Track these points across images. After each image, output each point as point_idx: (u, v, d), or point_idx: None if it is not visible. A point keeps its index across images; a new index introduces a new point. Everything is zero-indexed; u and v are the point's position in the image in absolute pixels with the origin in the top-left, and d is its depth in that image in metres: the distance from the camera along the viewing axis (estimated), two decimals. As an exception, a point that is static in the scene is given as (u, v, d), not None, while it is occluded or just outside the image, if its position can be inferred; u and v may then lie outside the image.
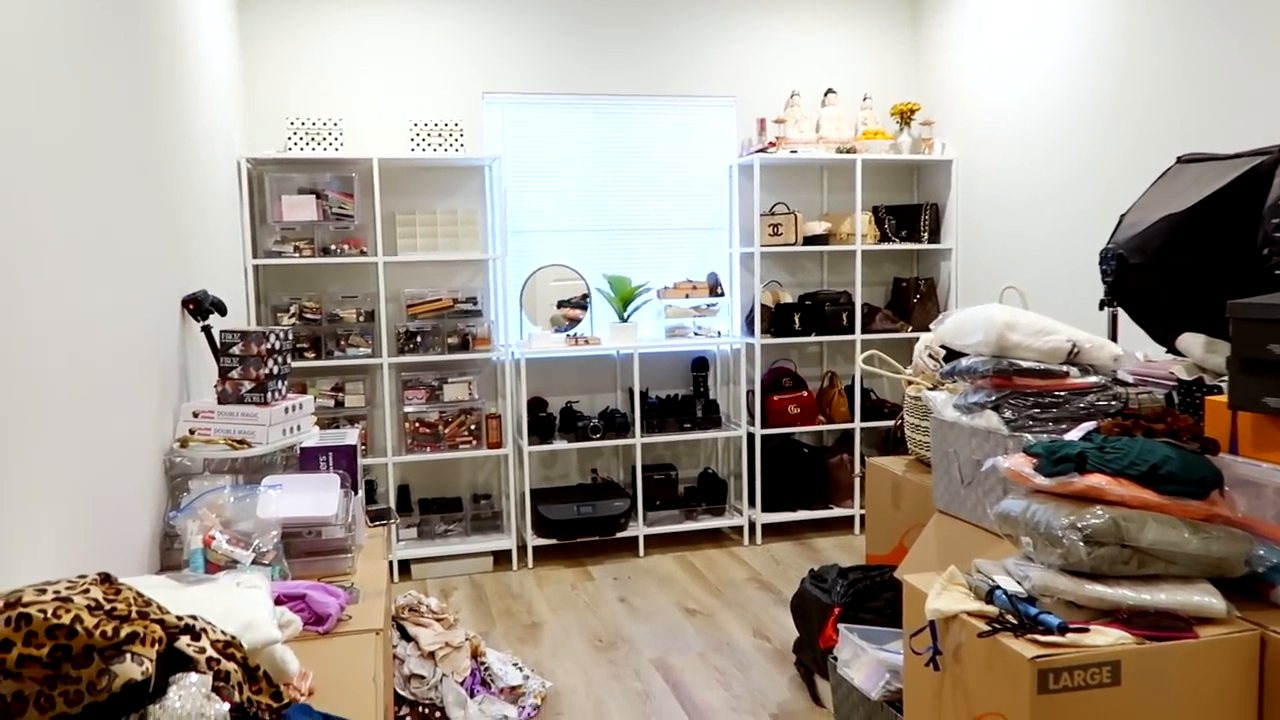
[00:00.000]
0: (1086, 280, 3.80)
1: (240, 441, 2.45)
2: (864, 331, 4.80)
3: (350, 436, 2.62)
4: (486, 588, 4.17)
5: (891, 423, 4.87)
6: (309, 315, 4.15)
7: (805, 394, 4.79)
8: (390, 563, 4.26)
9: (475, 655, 3.01)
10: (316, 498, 2.38)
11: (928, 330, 4.87)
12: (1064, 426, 2.47)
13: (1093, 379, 2.48)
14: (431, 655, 2.83)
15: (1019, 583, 1.97)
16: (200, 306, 2.73)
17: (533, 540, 4.45)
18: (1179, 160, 3.06)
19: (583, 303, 4.69)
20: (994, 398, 2.50)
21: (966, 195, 4.74)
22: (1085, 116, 3.82)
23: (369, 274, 4.44)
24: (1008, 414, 2.47)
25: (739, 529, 4.75)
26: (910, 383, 3.29)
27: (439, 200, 4.55)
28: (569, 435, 4.57)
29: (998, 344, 2.50)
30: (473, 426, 4.36)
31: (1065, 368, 2.48)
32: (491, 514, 4.59)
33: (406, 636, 2.89)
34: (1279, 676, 1.78)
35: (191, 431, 2.49)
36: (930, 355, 3.31)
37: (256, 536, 2.25)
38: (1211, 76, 3.22)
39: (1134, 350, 2.93)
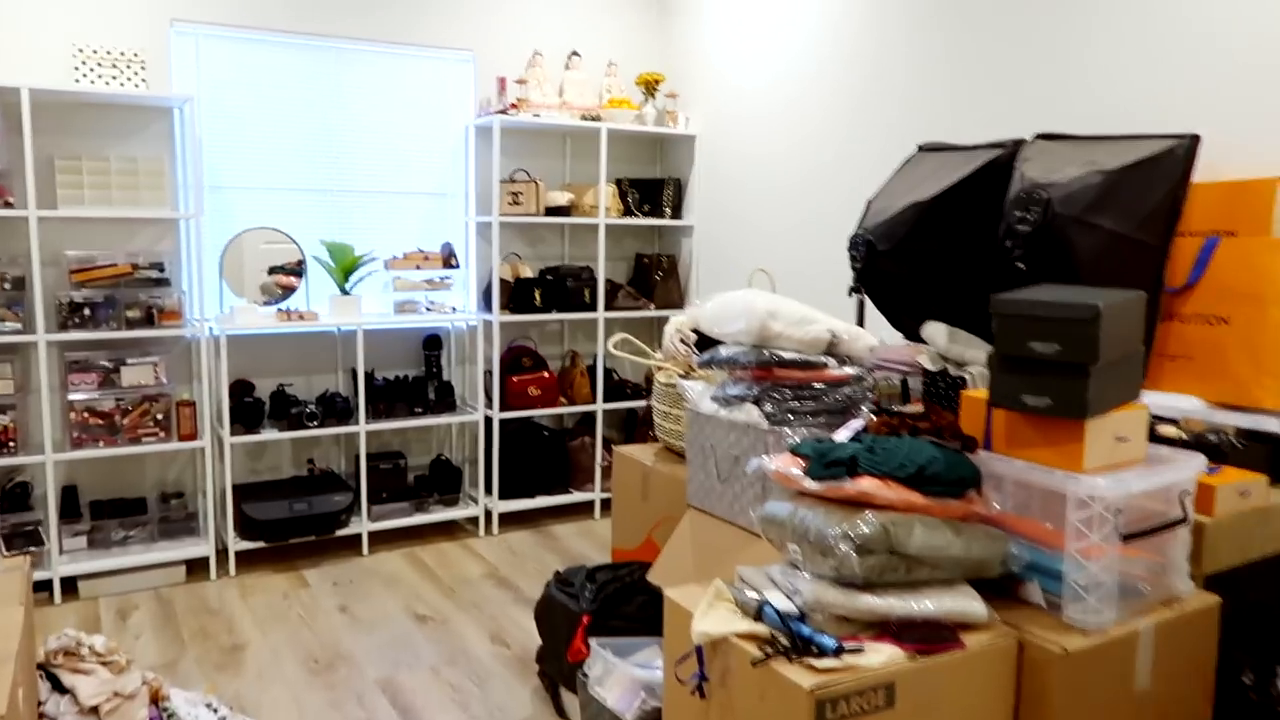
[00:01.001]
0: (826, 265, 3.82)
1: None
2: (607, 309, 4.61)
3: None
4: (177, 604, 3.56)
5: (636, 404, 4.74)
6: (-69, 280, 3.30)
7: (546, 374, 4.54)
8: (51, 582, 3.54)
9: (156, 700, 2.48)
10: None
11: (671, 310, 4.81)
12: (822, 420, 2.38)
13: (850, 370, 2.40)
14: (95, 710, 2.28)
15: (789, 597, 1.82)
16: None
17: (236, 544, 3.87)
18: (920, 149, 3.08)
19: (298, 269, 4.13)
20: (755, 391, 2.35)
21: (709, 172, 4.66)
22: (831, 104, 3.82)
23: (18, 231, 3.62)
24: (768, 408, 2.33)
25: (474, 519, 4.43)
26: (660, 368, 3.12)
27: (113, 144, 3.79)
28: (281, 423, 4.02)
29: (760, 333, 2.36)
30: (160, 416, 3.69)
31: (824, 359, 2.38)
32: (185, 515, 3.95)
33: (61, 689, 2.31)
34: (1035, 679, 1.75)
35: None
36: (682, 340, 3.14)
37: None
38: (952, 71, 3.28)
39: (880, 339, 2.90)
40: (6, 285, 3.40)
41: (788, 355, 2.35)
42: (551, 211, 4.47)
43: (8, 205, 3.39)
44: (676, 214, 4.86)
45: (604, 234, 4.54)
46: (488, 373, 4.44)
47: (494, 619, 3.42)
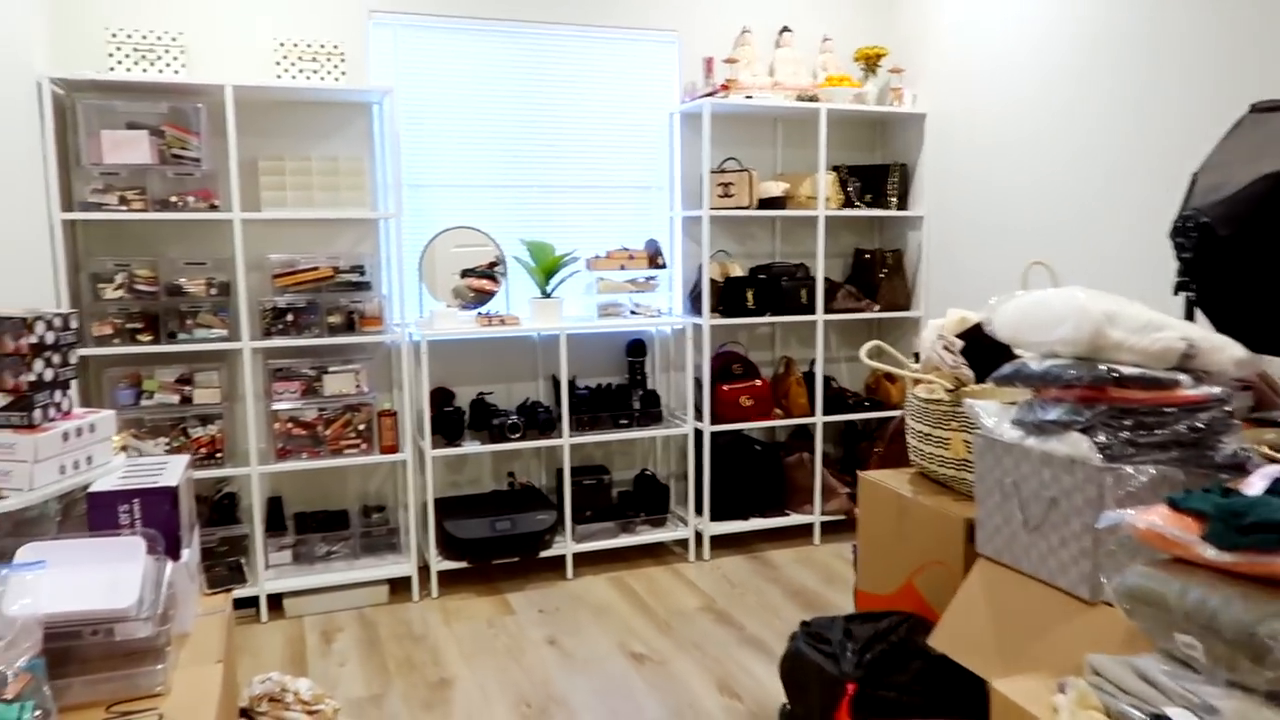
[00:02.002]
0: (1119, 258, 3.19)
1: (-17, 490, 1.59)
2: (826, 311, 4.13)
3: (170, 471, 1.78)
4: (381, 627, 3.36)
5: (858, 416, 4.24)
6: (142, 287, 3.21)
7: (758, 383, 4.11)
8: (257, 599, 3.41)
9: (363, 753, 2.22)
10: (107, 578, 1.55)
11: (897, 311, 4.26)
12: (1174, 455, 1.83)
13: (1209, 390, 1.84)
14: (300, 768, 2.04)
15: (1199, 716, 1.31)
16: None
17: (438, 563, 3.64)
18: (1254, 109, 2.45)
19: (492, 272, 3.88)
20: (1082, 416, 1.83)
21: (941, 155, 4.10)
22: (1114, 63, 3.20)
23: (222, 235, 3.52)
24: (1101, 438, 1.80)
25: (683, 542, 4.05)
26: (919, 380, 2.62)
27: (314, 144, 3.65)
28: (482, 435, 3.77)
29: (1092, 342, 1.84)
30: (361, 426, 3.51)
31: (1176, 375, 1.84)
32: (387, 530, 3.76)
33: (265, 740, 2.08)
34: None
35: (-90, 472, 1.62)
36: (946, 347, 2.63)
37: (0, 650, 1.42)
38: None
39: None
40: (213, 290, 3.29)
41: (1129, 371, 1.82)
42: (765, 204, 4.03)
43: (213, 208, 3.27)
44: (902, 204, 4.32)
45: (823, 227, 4.06)
46: (696, 381, 4.05)
47: (719, 662, 3.02)
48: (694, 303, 4.10)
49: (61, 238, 3.06)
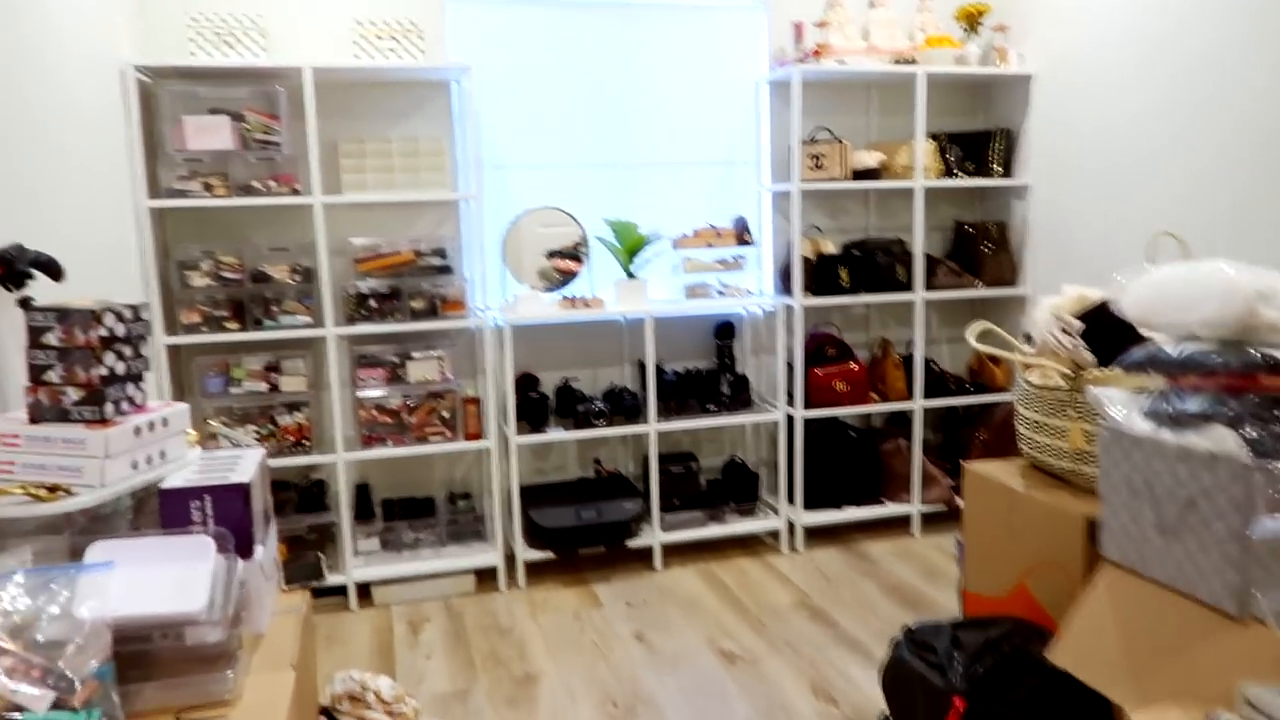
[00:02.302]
0: (1243, 226, 2.90)
1: (53, 488, 1.55)
2: (926, 289, 3.90)
3: (243, 467, 1.71)
4: (467, 618, 3.31)
5: (959, 400, 4.01)
6: (227, 274, 3.21)
7: (853, 366, 3.91)
8: (345, 588, 3.40)
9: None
10: (176, 579, 1.50)
11: (1002, 287, 3.98)
12: (1342, 448, 1.61)
13: (1384, 375, 1.61)
14: (381, 770, 1.98)
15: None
16: (11, 270, 1.81)
17: (524, 553, 3.58)
18: None
19: (577, 252, 3.77)
20: (1229, 407, 1.63)
21: (1051, 120, 3.81)
22: (1216, 3, 2.89)
23: (304, 220, 3.49)
24: (1253, 432, 1.60)
25: (775, 533, 3.90)
26: (1030, 365, 2.41)
27: (393, 124, 3.59)
28: (567, 421, 3.69)
29: (1240, 323, 1.63)
30: (445, 413, 3.46)
31: (1342, 359, 1.61)
32: (473, 518, 3.72)
33: (346, 739, 2.03)
34: None
35: (-16, 468, 1.59)
36: (1064, 329, 2.41)
37: (68, 654, 1.37)
38: None
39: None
40: (297, 277, 3.27)
41: (1287, 354, 1.60)
42: (859, 175, 3.82)
43: (295, 192, 3.24)
44: (1007, 172, 4.05)
45: (921, 199, 3.83)
46: (788, 365, 3.88)
47: (813, 665, 2.87)
48: (784, 282, 3.92)
49: (149, 225, 3.07)
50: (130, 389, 1.70)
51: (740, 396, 3.84)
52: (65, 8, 2.56)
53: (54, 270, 1.91)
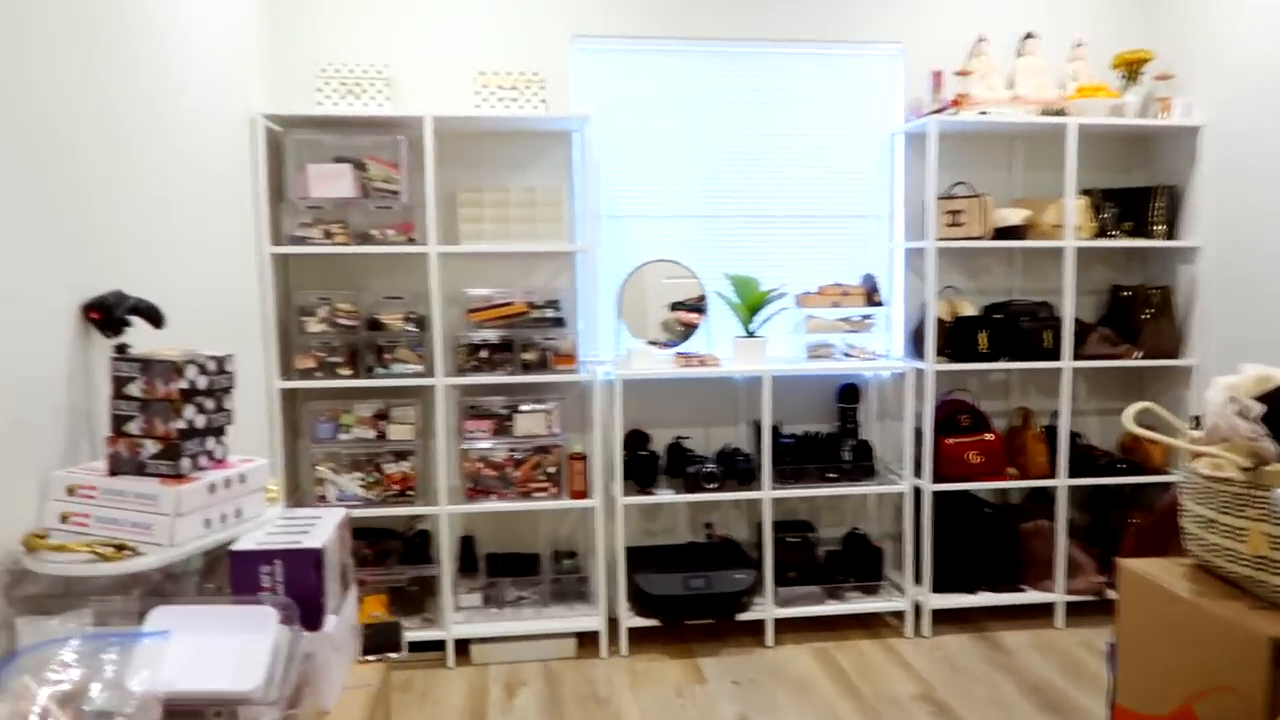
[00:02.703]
0: None
1: (121, 546, 1.48)
2: (1076, 356, 3.57)
3: (319, 529, 1.62)
4: (565, 684, 3.15)
5: (1110, 480, 3.63)
6: (343, 320, 3.21)
7: (989, 436, 3.60)
8: (444, 643, 3.30)
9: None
10: (234, 652, 1.40)
11: (1164, 359, 3.59)
12: None
13: None
14: None
15: None
16: (109, 316, 1.79)
17: (628, 619, 3.41)
18: None
19: (699, 305, 3.63)
20: None
21: (1224, 175, 3.45)
22: None
23: (420, 268, 3.48)
24: None
25: (899, 614, 3.59)
26: (1200, 453, 2.10)
27: (512, 174, 3.56)
28: (677, 482, 3.52)
29: None
30: (551, 469, 3.35)
31: None
32: (577, 579, 3.58)
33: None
34: None
35: (64, 519, 1.54)
36: (1241, 413, 2.09)
37: (116, 730, 1.28)
38: None
39: None
40: (410, 325, 3.24)
41: None
42: (1001, 233, 3.55)
43: (411, 241, 3.23)
44: (1170, 233, 3.69)
45: (1072, 260, 3.52)
46: (916, 432, 3.60)
47: (938, 771, 2.58)
48: (916, 345, 3.67)
49: (270, 270, 3.10)
50: (210, 443, 1.63)
51: (863, 464, 3.58)
52: (200, 60, 2.62)
53: (154, 317, 1.89)
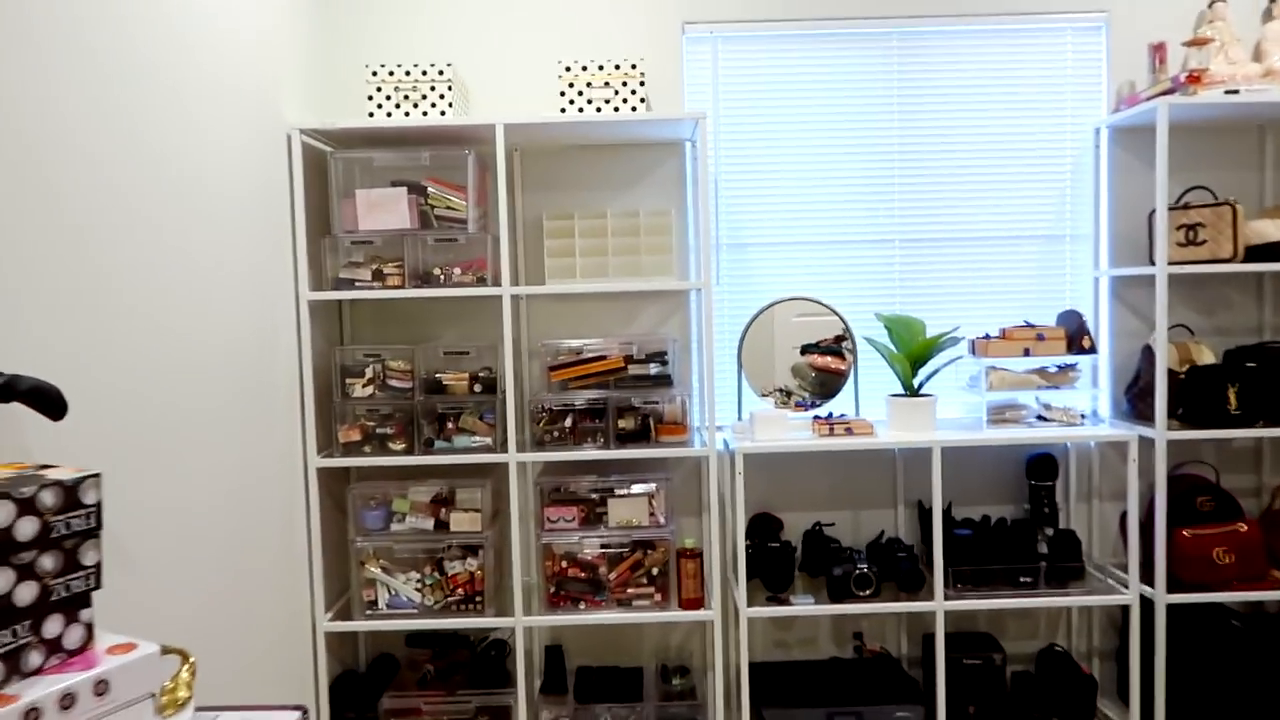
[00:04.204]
0: None
1: None
2: (1369, 418, 2.62)
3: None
4: None
5: None
6: (396, 382, 2.58)
7: (1242, 527, 2.67)
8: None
9: None
10: None
11: None
12: None
13: None
14: None
15: None
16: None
17: (753, 764, 2.63)
18: None
19: (839, 348, 2.85)
20: None
21: None
22: None
23: (492, 315, 2.84)
24: None
25: (1123, 769, 2.69)
26: None
27: (609, 196, 2.89)
28: (818, 583, 2.73)
29: None
30: (655, 570, 2.61)
31: None
32: (690, 705, 2.82)
33: None
34: None
35: None
36: None
37: None
38: None
39: None
40: (477, 387, 2.58)
41: None
42: (1253, 253, 2.64)
43: (480, 281, 2.58)
44: None
45: (1363, 286, 2.58)
46: (1142, 525, 2.70)
47: None
48: (1134, 403, 2.78)
49: (307, 322, 2.51)
50: (53, 626, 0.97)
51: (1065, 562, 2.70)
52: (222, 62, 2.06)
53: (52, 405, 1.27)
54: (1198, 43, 2.68)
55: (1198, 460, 2.90)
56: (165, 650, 1.22)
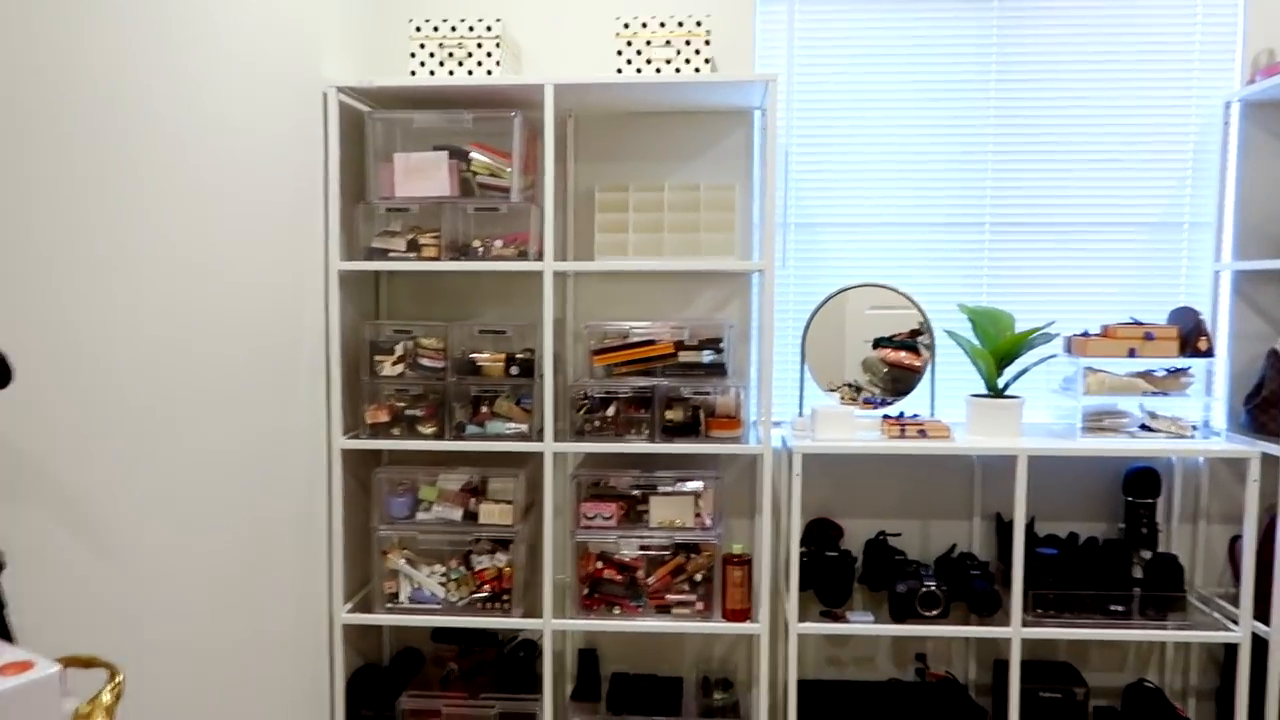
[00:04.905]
0: None
1: None
2: None
3: None
4: None
5: None
6: (428, 361, 2.41)
7: (1377, 562, 2.33)
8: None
9: None
10: None
11: None
12: None
13: None
14: None
15: None
16: None
17: (799, 792, 2.41)
18: None
19: (914, 342, 2.58)
20: None
21: None
22: None
23: (533, 292, 2.64)
24: None
25: (1221, 830, 2.38)
26: None
27: (669, 168, 2.65)
28: (879, 598, 2.49)
29: None
30: (698, 577, 2.40)
31: None
32: (732, 716, 2.61)
33: None
34: None
35: None
36: None
37: None
38: None
39: None
40: (513, 369, 2.39)
41: None
42: None
43: (521, 255, 2.38)
44: None
45: None
46: (1259, 553, 2.37)
47: None
48: (1254, 415, 2.44)
49: (336, 293, 2.35)
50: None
51: (1164, 591, 2.40)
52: (251, 16, 1.90)
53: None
54: (1354, 3, 2.31)
55: (1326, 484, 2.55)
56: (89, 663, 1.06)
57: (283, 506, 2.11)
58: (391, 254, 2.38)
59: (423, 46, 2.39)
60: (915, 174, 2.63)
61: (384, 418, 2.39)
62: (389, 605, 2.41)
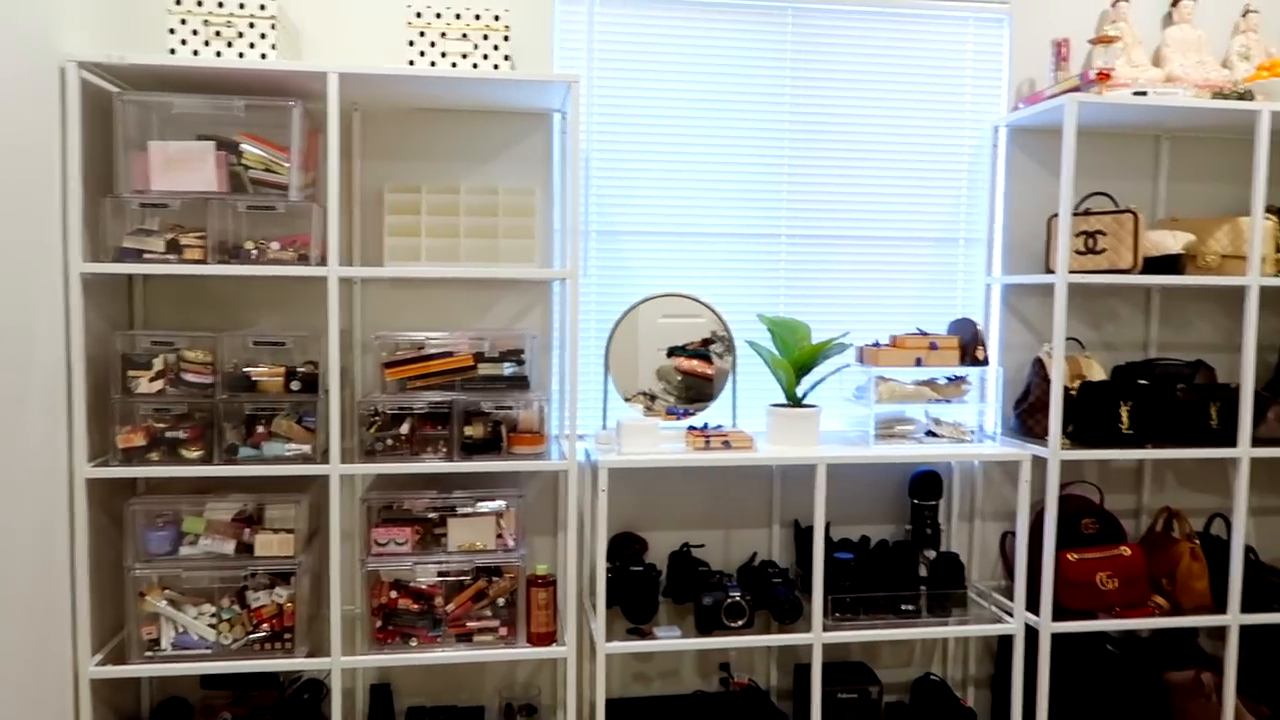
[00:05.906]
0: None
1: None
2: (1256, 440, 2.53)
3: None
4: None
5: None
6: (193, 376, 2.14)
7: (1125, 551, 2.55)
8: None
9: None
10: None
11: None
12: None
13: None
14: None
15: None
16: None
17: (607, 817, 2.33)
18: None
19: (707, 351, 2.58)
20: None
21: None
22: None
23: (316, 300, 2.43)
24: None
25: (1001, 812, 2.53)
26: None
27: (465, 169, 2.51)
28: (685, 610, 2.46)
29: None
30: (501, 601, 2.27)
31: None
32: (536, 745, 2.50)
33: None
34: None
35: None
36: None
37: None
38: None
39: None
40: (294, 384, 2.17)
41: None
42: (1151, 266, 2.51)
43: (301, 259, 2.16)
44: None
45: (1255, 303, 2.48)
46: (1035, 547, 2.54)
47: None
48: (1022, 419, 2.61)
49: (80, 300, 2.04)
50: None
51: (947, 589, 2.52)
52: None
53: None
54: (1104, 40, 2.52)
55: (1079, 479, 2.77)
56: None
57: (13, 547, 1.80)
58: (147, 255, 2.10)
59: (184, 22, 2.13)
60: (716, 184, 2.64)
61: (140, 441, 2.10)
62: (148, 654, 2.12)
